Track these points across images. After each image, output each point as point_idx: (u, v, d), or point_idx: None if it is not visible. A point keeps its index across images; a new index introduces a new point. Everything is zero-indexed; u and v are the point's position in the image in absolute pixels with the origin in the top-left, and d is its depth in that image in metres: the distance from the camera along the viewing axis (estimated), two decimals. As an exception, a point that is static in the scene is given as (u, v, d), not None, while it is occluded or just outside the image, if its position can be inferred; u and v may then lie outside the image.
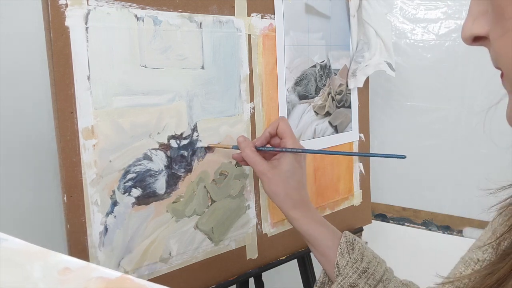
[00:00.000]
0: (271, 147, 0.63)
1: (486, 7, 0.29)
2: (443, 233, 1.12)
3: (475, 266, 0.44)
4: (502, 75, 0.30)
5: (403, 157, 0.52)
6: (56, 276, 0.20)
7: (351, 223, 0.93)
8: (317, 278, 0.62)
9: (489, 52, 0.30)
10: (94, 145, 0.54)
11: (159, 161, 0.60)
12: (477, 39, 0.31)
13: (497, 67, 0.30)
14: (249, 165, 0.61)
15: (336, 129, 0.87)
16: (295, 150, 0.59)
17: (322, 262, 0.60)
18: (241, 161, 0.63)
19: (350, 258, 0.56)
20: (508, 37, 0.27)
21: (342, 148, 0.88)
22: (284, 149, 0.59)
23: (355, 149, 0.92)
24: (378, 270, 0.57)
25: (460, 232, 1.11)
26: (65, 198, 0.52)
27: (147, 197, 0.60)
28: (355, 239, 0.59)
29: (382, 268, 0.58)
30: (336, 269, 0.56)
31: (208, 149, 0.66)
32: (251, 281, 0.78)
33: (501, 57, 0.29)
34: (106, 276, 0.20)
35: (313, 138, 0.82)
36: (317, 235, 0.58)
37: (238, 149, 0.62)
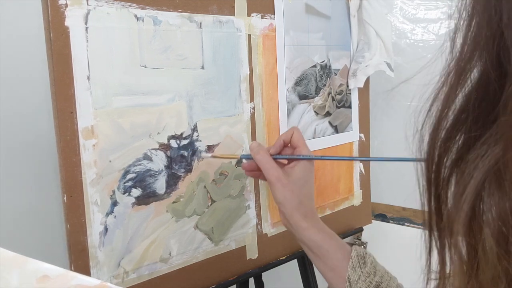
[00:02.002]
0: (283, 155, 0.61)
1: None
2: (443, 233, 1.12)
3: None
4: None
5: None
6: (34, 284, 0.20)
7: (351, 223, 0.93)
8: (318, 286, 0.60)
9: None
10: (94, 145, 0.54)
11: (159, 161, 0.60)
12: None
13: None
14: (256, 176, 0.59)
15: (336, 129, 0.87)
16: (313, 157, 0.58)
17: (329, 277, 0.57)
18: (250, 171, 0.61)
19: (362, 272, 0.54)
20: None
21: (342, 148, 0.88)
22: (302, 157, 0.58)
23: (355, 149, 0.92)
24: (391, 285, 0.55)
25: (460, 232, 1.11)
26: (65, 198, 0.52)
27: (147, 197, 0.60)
28: (366, 253, 0.57)
29: (394, 283, 0.56)
30: (348, 283, 0.54)
31: (211, 152, 0.66)
32: (251, 281, 0.78)
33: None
34: (85, 284, 0.20)
35: (313, 138, 0.82)
36: (328, 247, 0.56)
37: (247, 158, 0.60)
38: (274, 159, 0.59)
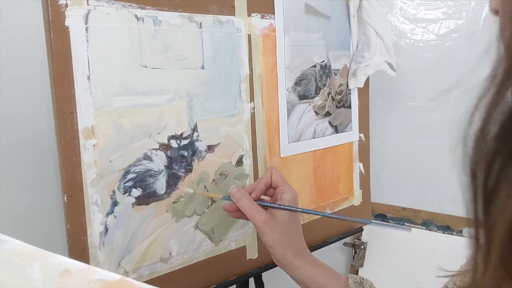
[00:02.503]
0: (267, 202, 0.59)
1: None
2: (443, 233, 1.12)
3: None
4: None
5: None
6: (56, 278, 0.20)
7: (351, 223, 0.93)
8: None
9: None
10: (94, 145, 0.54)
11: (159, 161, 0.60)
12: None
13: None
14: (239, 217, 0.59)
15: (336, 129, 0.87)
16: (294, 209, 0.57)
17: None
18: (233, 212, 0.60)
19: None
20: (503, 14, 0.27)
21: (342, 148, 0.88)
22: (283, 206, 0.57)
23: (355, 149, 0.92)
24: None
25: (460, 232, 1.11)
26: (65, 198, 0.52)
27: (147, 197, 0.60)
28: (362, 279, 0.57)
29: None
30: None
31: (208, 150, 0.66)
32: (251, 281, 0.78)
33: (500, 33, 0.29)
34: (106, 279, 0.20)
35: (313, 138, 0.82)
36: (324, 281, 0.55)
37: (228, 199, 0.59)
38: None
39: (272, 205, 0.58)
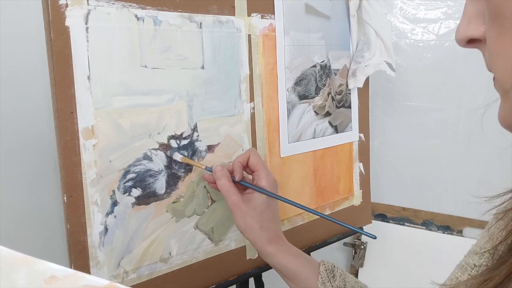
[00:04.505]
0: (247, 183, 0.60)
1: (482, 8, 0.28)
2: (443, 233, 1.13)
3: (471, 272, 0.44)
4: (494, 78, 0.29)
5: (373, 237, 0.55)
6: (42, 285, 0.20)
7: (351, 223, 0.93)
8: None
9: (483, 55, 0.29)
10: (94, 145, 0.54)
11: (159, 161, 0.60)
12: (471, 42, 0.30)
13: (490, 70, 0.29)
14: (217, 189, 0.60)
15: (336, 129, 0.87)
16: (272, 195, 0.57)
17: None
18: (212, 183, 0.61)
19: (332, 286, 0.55)
20: (503, 37, 0.26)
21: (342, 148, 0.88)
22: (262, 190, 0.58)
23: (355, 149, 0.92)
24: None
25: (460, 232, 1.11)
26: (65, 198, 0.52)
27: (147, 197, 0.60)
28: (334, 266, 0.58)
29: None
30: None
31: (208, 150, 0.66)
32: (251, 281, 0.78)
33: (495, 59, 0.28)
34: (94, 285, 0.20)
35: (313, 138, 0.82)
36: (295, 268, 0.56)
37: (210, 171, 0.60)
38: (237, 183, 0.59)
39: (252, 186, 0.59)
